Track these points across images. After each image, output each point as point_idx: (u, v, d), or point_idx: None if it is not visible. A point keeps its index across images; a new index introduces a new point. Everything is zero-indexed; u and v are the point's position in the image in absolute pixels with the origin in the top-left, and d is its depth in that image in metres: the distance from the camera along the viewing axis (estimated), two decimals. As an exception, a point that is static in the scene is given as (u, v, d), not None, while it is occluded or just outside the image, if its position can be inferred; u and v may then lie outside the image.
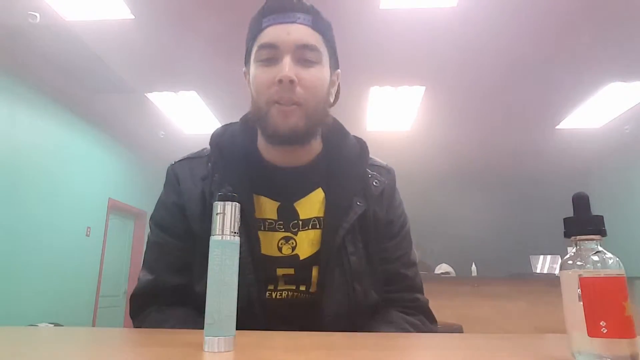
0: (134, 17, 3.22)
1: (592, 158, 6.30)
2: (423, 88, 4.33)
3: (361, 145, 0.84)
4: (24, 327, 0.76)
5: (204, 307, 0.71)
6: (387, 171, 0.85)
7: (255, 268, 0.70)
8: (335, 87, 0.82)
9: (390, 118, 5.01)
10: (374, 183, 0.79)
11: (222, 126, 0.84)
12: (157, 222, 0.79)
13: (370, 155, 0.85)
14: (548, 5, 3.10)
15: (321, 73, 0.74)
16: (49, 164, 4.45)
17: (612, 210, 6.23)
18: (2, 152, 3.84)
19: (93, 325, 5.14)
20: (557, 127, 5.22)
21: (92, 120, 5.13)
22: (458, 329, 2.76)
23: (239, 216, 0.43)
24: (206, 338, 0.39)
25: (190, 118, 5.05)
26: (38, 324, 3.67)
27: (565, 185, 6.76)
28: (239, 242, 0.42)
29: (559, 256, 4.19)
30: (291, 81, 0.68)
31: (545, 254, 4.58)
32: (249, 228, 0.71)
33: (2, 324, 3.68)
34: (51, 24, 3.30)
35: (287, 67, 0.69)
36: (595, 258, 0.35)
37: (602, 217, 0.38)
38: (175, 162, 0.83)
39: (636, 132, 5.27)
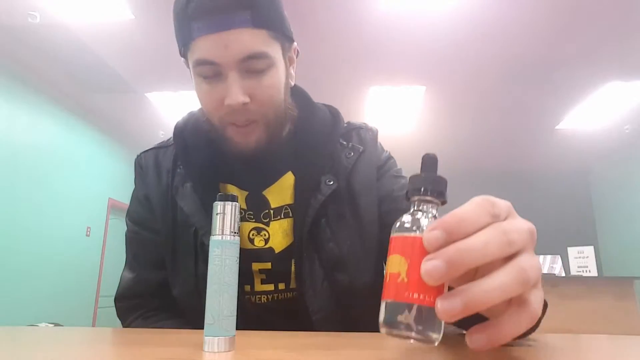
0: (134, 17, 3.22)
1: (592, 158, 6.30)
2: (423, 88, 4.33)
3: (335, 117, 0.75)
4: (24, 327, 0.76)
5: (187, 312, 0.69)
6: (365, 130, 0.76)
7: None
8: (294, 64, 0.71)
9: (390, 118, 5.02)
10: (347, 155, 0.71)
11: (186, 115, 0.77)
12: (132, 217, 0.76)
13: (349, 121, 0.77)
14: (548, 6, 3.10)
15: (275, 77, 0.63)
16: (49, 164, 4.46)
17: (612, 210, 6.23)
18: (2, 152, 3.84)
19: (93, 325, 5.14)
20: (557, 127, 5.22)
21: (92, 121, 5.13)
22: (459, 330, 2.76)
23: (239, 216, 0.43)
24: (206, 338, 0.39)
25: (190, 118, 5.06)
26: (38, 324, 3.67)
27: (566, 185, 6.77)
28: (239, 242, 0.42)
29: (559, 256, 4.19)
30: (243, 103, 0.60)
31: (545, 253, 4.58)
32: None
33: (2, 324, 3.68)
34: (51, 24, 3.30)
35: (234, 90, 0.59)
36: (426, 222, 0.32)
37: (445, 180, 0.33)
38: (141, 153, 0.79)
39: (636, 132, 5.27)
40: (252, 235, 0.68)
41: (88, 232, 5.08)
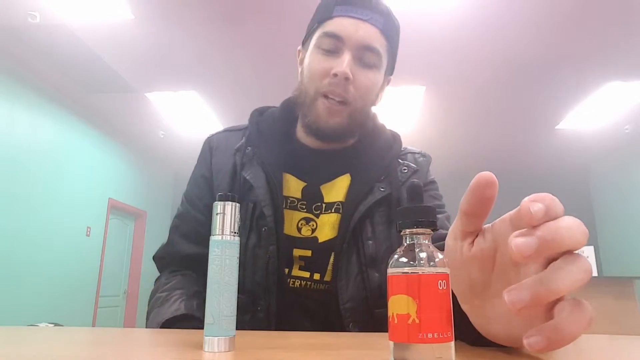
0: (134, 17, 3.22)
1: (592, 158, 6.30)
2: (423, 88, 4.33)
3: (395, 139, 0.84)
4: (24, 327, 0.76)
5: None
6: (420, 155, 0.85)
7: (277, 243, 0.70)
8: (383, 92, 0.82)
9: (390, 118, 5.02)
10: (402, 170, 0.79)
11: (263, 106, 0.85)
12: (186, 194, 0.83)
13: (405, 146, 0.86)
14: (548, 5, 3.10)
15: (376, 78, 0.74)
16: (49, 164, 4.46)
17: (612, 210, 6.23)
18: (2, 152, 3.84)
19: (93, 325, 5.14)
20: (557, 127, 5.22)
21: (92, 120, 5.13)
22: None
23: (239, 216, 0.43)
24: (206, 338, 0.39)
25: (190, 118, 5.06)
26: (38, 324, 3.67)
27: (565, 185, 6.77)
28: (239, 242, 0.42)
29: (559, 256, 4.20)
30: (346, 78, 0.68)
31: (545, 254, 4.62)
32: (276, 204, 0.71)
33: (2, 324, 3.68)
34: (51, 24, 3.31)
35: (345, 62, 0.68)
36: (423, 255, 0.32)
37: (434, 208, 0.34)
38: (212, 135, 0.85)
39: (636, 132, 5.27)
40: (301, 224, 0.74)
41: (88, 232, 5.08)
